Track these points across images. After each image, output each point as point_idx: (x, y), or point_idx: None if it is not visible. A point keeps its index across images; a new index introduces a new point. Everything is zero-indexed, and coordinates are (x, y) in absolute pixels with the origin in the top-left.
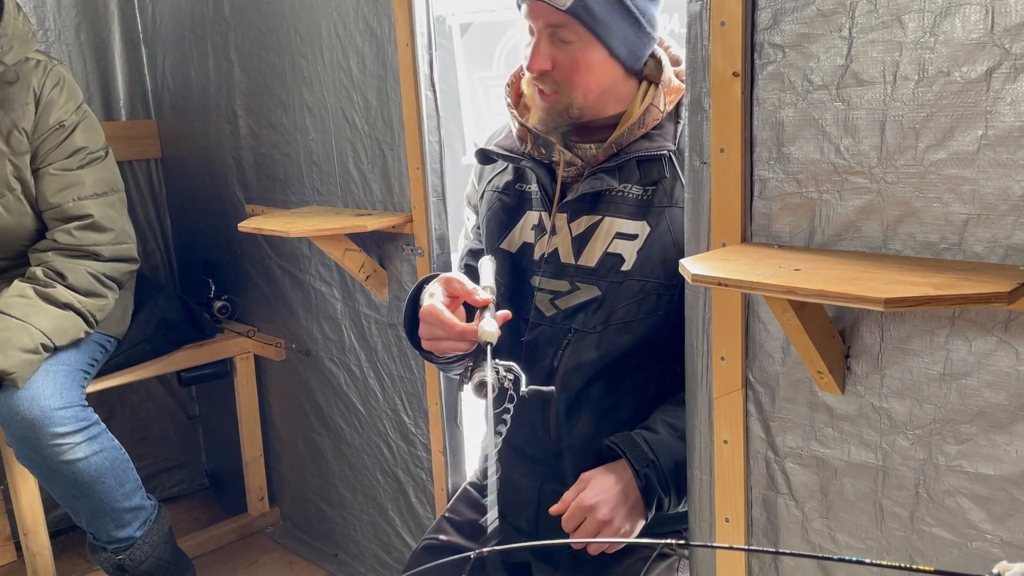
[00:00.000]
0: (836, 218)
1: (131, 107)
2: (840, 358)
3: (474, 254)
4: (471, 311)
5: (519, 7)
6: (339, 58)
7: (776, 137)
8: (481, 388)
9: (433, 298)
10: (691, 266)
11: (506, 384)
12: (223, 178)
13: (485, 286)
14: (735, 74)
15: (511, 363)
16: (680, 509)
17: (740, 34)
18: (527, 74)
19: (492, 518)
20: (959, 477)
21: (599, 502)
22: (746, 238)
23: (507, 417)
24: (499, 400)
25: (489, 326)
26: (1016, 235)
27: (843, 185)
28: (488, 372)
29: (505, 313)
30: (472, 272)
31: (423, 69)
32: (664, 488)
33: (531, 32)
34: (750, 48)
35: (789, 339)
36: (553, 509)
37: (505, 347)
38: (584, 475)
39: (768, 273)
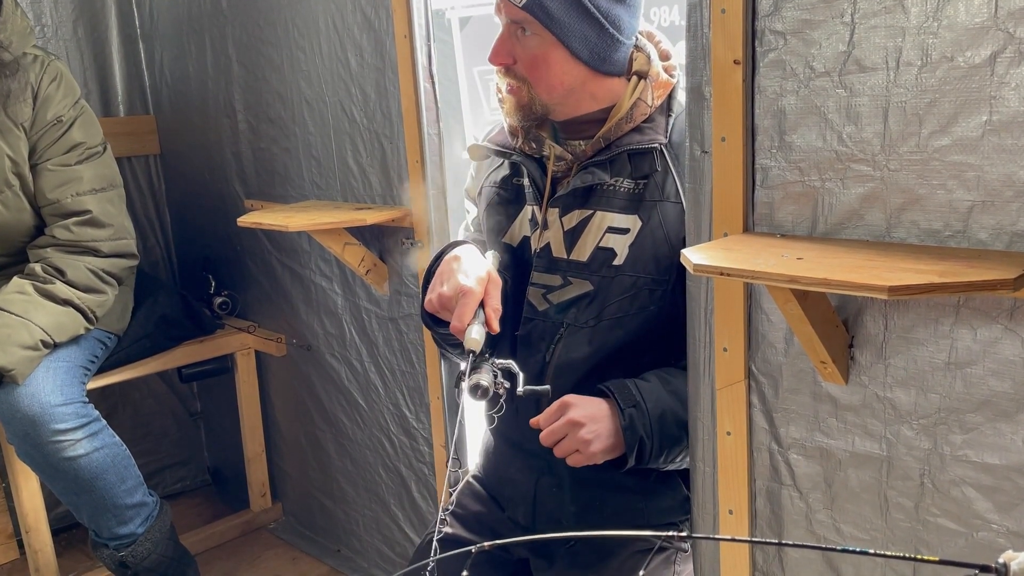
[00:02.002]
0: (839, 206)
1: (129, 103)
2: (844, 348)
3: (476, 244)
4: None
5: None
6: (337, 51)
7: (778, 125)
8: (476, 391)
9: (476, 284)
10: (693, 256)
11: (500, 391)
12: (222, 174)
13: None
14: (736, 62)
15: (510, 362)
16: (666, 465)
17: (741, 21)
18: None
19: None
20: (964, 467)
21: (586, 419)
22: (748, 228)
23: (495, 417)
24: (492, 404)
25: (475, 333)
26: (1021, 222)
27: (846, 173)
28: (473, 376)
29: (496, 308)
30: None
31: (421, 61)
32: (647, 432)
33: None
34: (751, 35)
35: (792, 329)
36: (534, 420)
37: (503, 343)
38: (567, 397)
39: (770, 262)
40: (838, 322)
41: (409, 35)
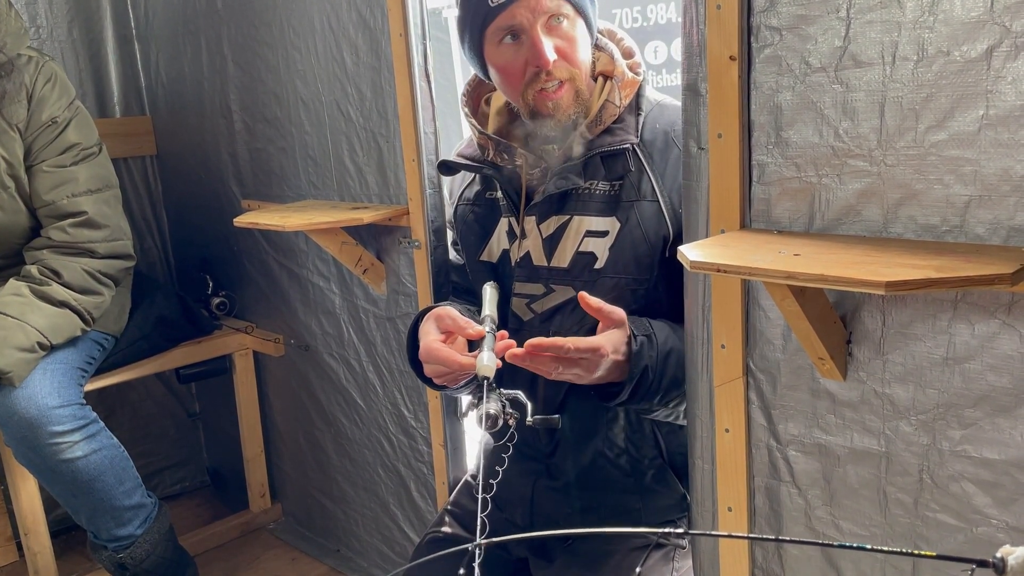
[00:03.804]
0: (836, 202)
1: (125, 104)
2: (841, 344)
3: (457, 270)
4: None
5: (483, 26)
6: (332, 50)
7: (774, 121)
8: (484, 420)
9: (428, 336)
10: (690, 253)
11: (510, 421)
12: (219, 174)
13: (485, 315)
14: (732, 58)
15: (517, 392)
16: (657, 409)
17: (736, 17)
18: (522, 87)
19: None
20: (963, 462)
21: (610, 352)
22: (745, 224)
23: (505, 456)
24: (501, 433)
25: (486, 359)
26: (1018, 216)
27: (842, 169)
28: (483, 406)
29: (507, 343)
30: (459, 291)
31: (417, 60)
32: (653, 363)
33: (510, 34)
34: (747, 31)
35: (790, 325)
36: (589, 301)
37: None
38: (618, 316)
39: (768, 259)
40: (836, 318)
41: (405, 34)
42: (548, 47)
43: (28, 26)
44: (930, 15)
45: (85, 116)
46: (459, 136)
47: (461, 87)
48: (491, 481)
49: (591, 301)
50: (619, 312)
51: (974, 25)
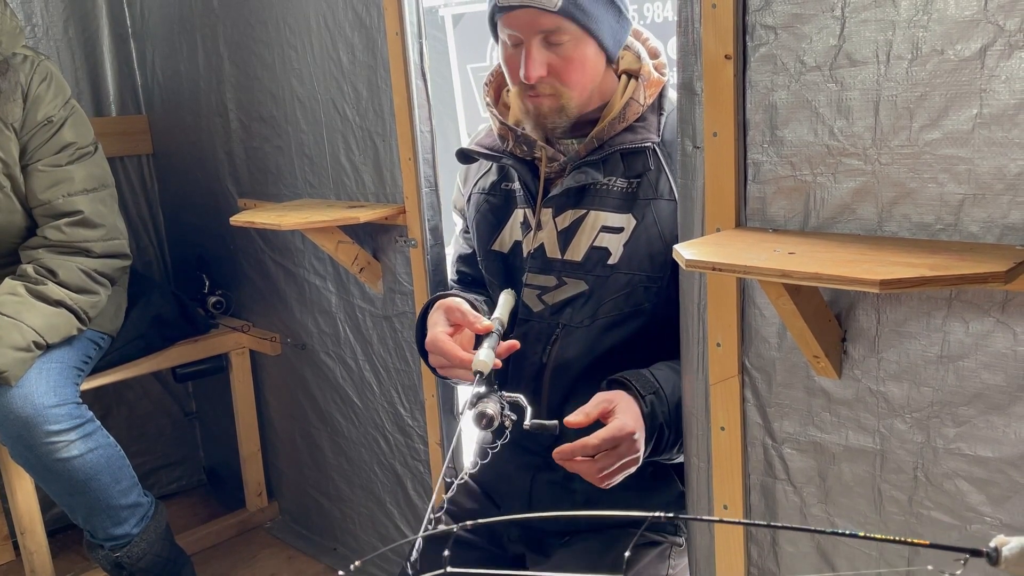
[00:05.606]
0: (831, 201)
1: (121, 103)
2: (836, 342)
3: (464, 259)
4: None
5: (492, 21)
6: (329, 49)
7: (769, 120)
8: (480, 419)
9: (436, 327)
10: (685, 251)
11: (507, 423)
12: (215, 173)
13: (495, 317)
14: (727, 57)
15: (518, 396)
16: (675, 456)
17: (732, 16)
18: (518, 84)
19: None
20: (957, 460)
21: (637, 427)
22: (740, 223)
23: (490, 450)
24: (497, 434)
25: (483, 355)
26: (1012, 214)
27: (837, 167)
28: (480, 404)
29: (511, 343)
30: (465, 280)
31: (413, 58)
32: (667, 419)
33: (513, 42)
34: (742, 30)
35: (785, 324)
36: (572, 421)
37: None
38: (606, 396)
39: (763, 257)
40: (831, 316)
41: (400, 32)
42: (537, 63)
43: (24, 25)
44: (924, 14)
45: (81, 115)
46: (455, 135)
47: (458, 86)
48: (480, 462)
49: (577, 419)
50: (604, 396)
51: (968, 24)
